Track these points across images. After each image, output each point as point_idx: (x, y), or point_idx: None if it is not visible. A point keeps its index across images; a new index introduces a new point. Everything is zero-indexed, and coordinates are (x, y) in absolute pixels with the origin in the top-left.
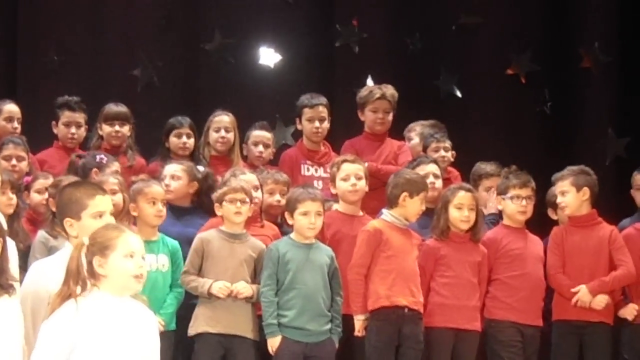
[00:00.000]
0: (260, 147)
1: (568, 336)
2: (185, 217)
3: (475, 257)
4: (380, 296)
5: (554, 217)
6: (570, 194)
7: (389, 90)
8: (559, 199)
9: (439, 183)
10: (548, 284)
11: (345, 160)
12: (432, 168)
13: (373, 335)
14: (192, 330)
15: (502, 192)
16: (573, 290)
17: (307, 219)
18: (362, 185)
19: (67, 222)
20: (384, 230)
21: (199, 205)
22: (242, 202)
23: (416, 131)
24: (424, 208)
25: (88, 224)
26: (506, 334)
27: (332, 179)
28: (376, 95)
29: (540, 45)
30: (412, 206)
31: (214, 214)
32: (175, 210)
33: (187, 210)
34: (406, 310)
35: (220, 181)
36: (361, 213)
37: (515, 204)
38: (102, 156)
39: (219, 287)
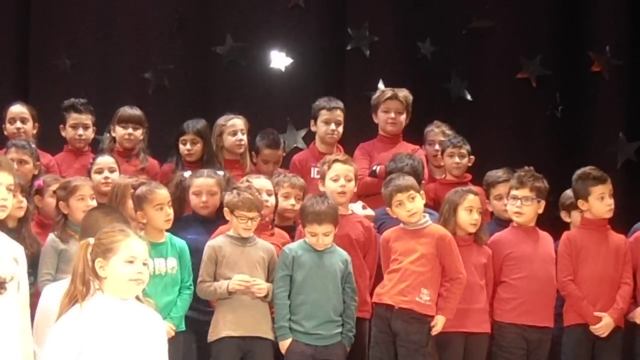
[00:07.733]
0: (271, 166)
1: (581, 341)
2: (213, 227)
3: (481, 258)
4: (375, 295)
5: (567, 220)
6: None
7: (402, 92)
8: (609, 201)
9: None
10: (558, 289)
11: (336, 160)
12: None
13: (372, 332)
14: (212, 336)
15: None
16: (597, 314)
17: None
18: (351, 187)
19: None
20: (391, 238)
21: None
22: (253, 220)
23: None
24: (418, 204)
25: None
26: (508, 339)
27: (322, 177)
28: (387, 95)
29: (551, 49)
30: (399, 211)
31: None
32: (202, 221)
33: (214, 220)
34: (395, 307)
35: (234, 185)
36: (350, 211)
37: (512, 204)
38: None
39: (239, 280)
